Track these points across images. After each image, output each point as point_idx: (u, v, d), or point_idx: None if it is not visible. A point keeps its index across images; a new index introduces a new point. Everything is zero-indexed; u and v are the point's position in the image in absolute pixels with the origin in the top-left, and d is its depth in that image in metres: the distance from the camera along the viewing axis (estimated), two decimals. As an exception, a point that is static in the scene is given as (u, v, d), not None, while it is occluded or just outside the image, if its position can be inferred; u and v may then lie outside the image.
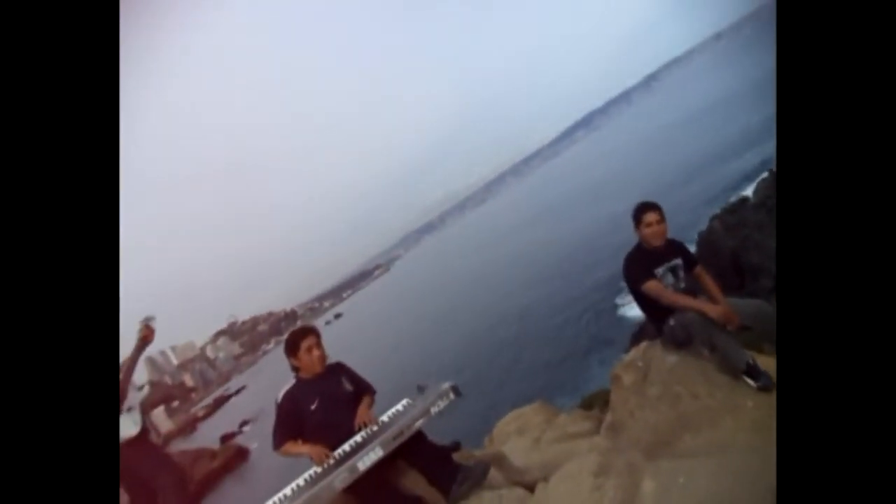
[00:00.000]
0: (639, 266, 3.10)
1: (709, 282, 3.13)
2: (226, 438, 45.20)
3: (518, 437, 5.69)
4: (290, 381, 2.76)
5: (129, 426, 2.44)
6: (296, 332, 2.80)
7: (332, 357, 2.87)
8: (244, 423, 48.33)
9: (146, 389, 2.66)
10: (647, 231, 3.05)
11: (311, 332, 2.80)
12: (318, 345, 2.77)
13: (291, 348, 2.74)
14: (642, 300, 3.17)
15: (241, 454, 37.94)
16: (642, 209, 3.09)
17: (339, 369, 2.84)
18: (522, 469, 3.16)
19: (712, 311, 2.76)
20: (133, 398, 2.53)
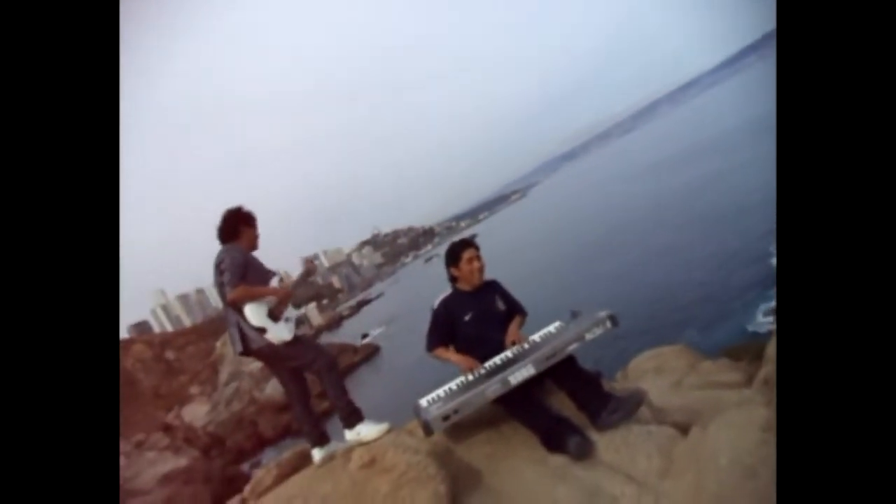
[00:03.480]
0: None
1: None
2: (364, 337, 49.82)
3: (656, 376, 5.51)
4: (447, 291, 2.87)
5: (283, 332, 2.69)
6: (457, 244, 2.87)
7: None
8: (381, 326, 52.70)
9: (303, 310, 2.94)
10: None
11: (471, 244, 2.85)
12: (479, 257, 2.82)
13: (453, 258, 2.82)
14: None
15: (375, 352, 41.90)
16: None
17: (494, 286, 2.89)
18: (662, 409, 3.06)
19: None
20: (290, 313, 2.78)
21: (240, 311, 2.63)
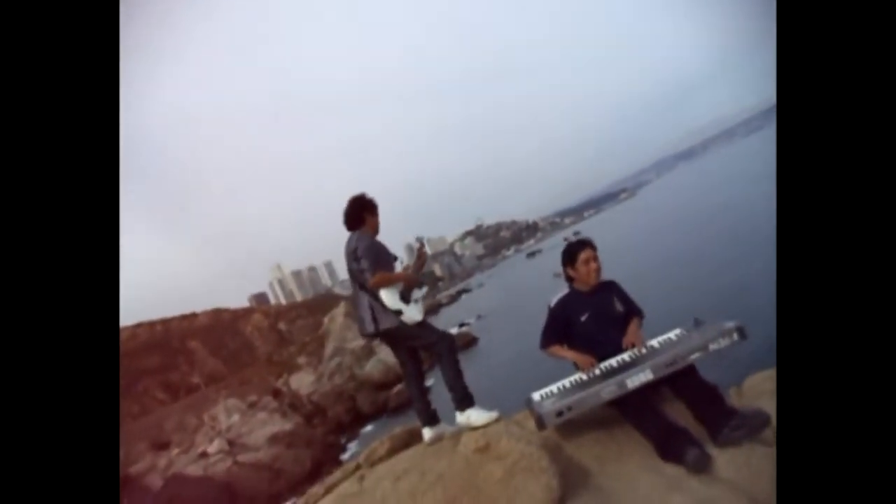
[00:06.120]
0: None
1: None
2: (462, 326, 50.42)
3: (773, 398, 5.11)
4: (565, 290, 2.88)
5: (415, 313, 2.87)
6: (574, 244, 2.86)
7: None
8: (479, 316, 53.10)
9: (424, 289, 3.08)
10: None
11: (588, 244, 2.83)
12: (595, 258, 2.79)
13: (569, 258, 2.82)
14: None
15: (472, 342, 42.49)
16: None
17: (612, 287, 2.85)
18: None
19: None
20: (416, 294, 2.94)
21: (374, 295, 2.83)
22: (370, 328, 2.88)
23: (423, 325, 2.90)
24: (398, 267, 2.98)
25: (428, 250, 3.17)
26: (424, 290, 3.07)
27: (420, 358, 3.11)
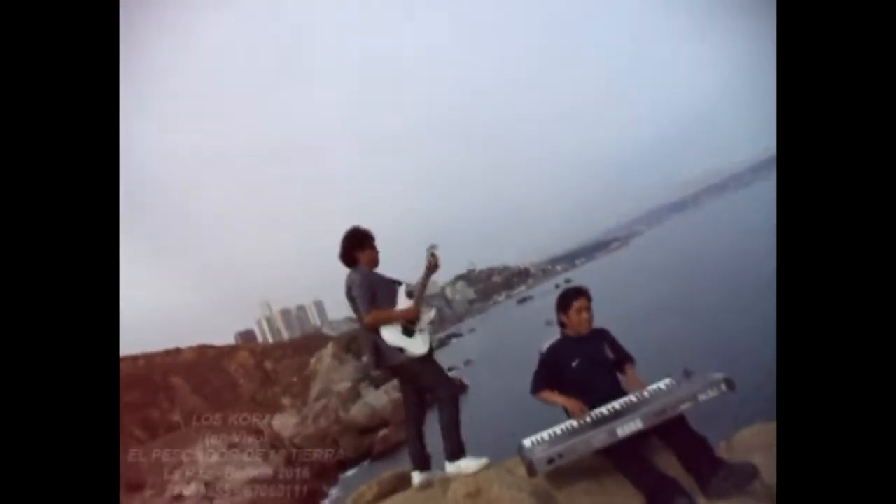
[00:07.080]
0: None
1: None
2: (450, 370, 49.82)
3: (767, 452, 5.08)
4: (556, 336, 2.92)
5: (419, 346, 2.83)
6: (570, 291, 2.92)
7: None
8: (468, 362, 52.57)
9: (433, 313, 3.03)
10: None
11: (583, 293, 2.89)
12: (588, 308, 2.85)
13: (563, 306, 2.88)
14: None
15: (462, 388, 42.02)
16: None
17: (603, 335, 2.91)
18: (774, 489, 2.86)
19: None
20: (423, 321, 2.90)
21: (376, 331, 2.82)
22: (372, 366, 2.86)
23: (429, 361, 2.87)
24: (401, 291, 2.96)
25: (439, 260, 3.07)
26: (433, 312, 2.99)
27: (426, 400, 3.05)
